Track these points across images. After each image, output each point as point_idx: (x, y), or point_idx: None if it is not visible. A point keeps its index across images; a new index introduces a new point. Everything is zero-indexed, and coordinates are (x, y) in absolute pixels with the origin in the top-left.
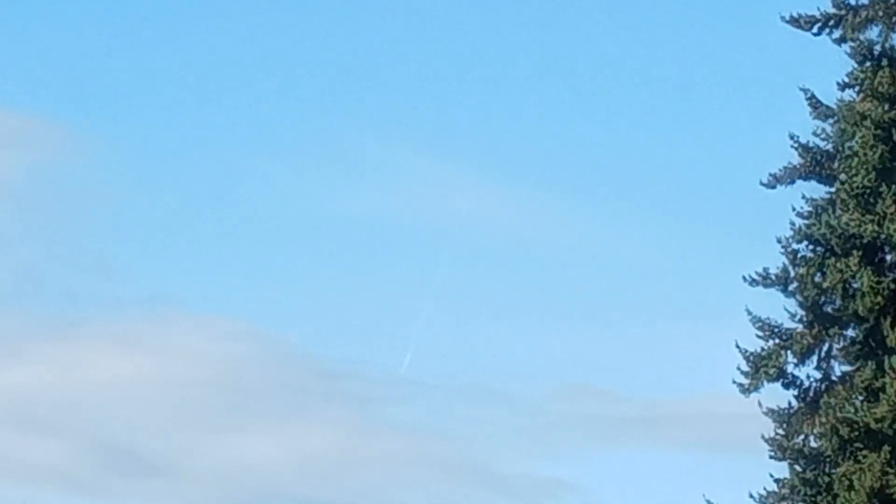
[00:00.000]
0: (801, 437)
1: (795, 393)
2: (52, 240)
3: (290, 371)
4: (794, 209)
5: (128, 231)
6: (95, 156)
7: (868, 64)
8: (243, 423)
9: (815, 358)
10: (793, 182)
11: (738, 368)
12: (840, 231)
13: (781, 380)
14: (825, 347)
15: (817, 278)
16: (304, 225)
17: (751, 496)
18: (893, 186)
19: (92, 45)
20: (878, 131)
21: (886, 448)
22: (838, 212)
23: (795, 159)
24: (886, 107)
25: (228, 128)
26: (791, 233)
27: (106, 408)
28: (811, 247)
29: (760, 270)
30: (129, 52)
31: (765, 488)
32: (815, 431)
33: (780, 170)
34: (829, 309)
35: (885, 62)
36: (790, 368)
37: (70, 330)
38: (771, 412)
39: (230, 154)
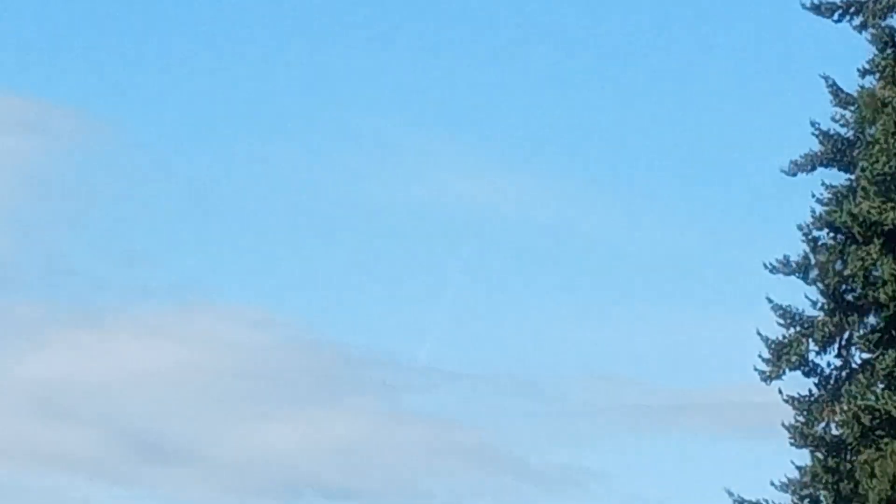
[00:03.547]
0: (823, 424)
1: (816, 381)
2: (79, 228)
3: (315, 359)
4: (814, 196)
5: (155, 219)
6: (123, 144)
7: (889, 51)
8: (269, 412)
9: (836, 346)
10: (813, 169)
11: (760, 356)
12: (861, 218)
13: (802, 368)
14: (846, 335)
15: (838, 266)
16: (330, 213)
17: (772, 484)
18: None
19: (117, 34)
20: None
21: None
22: (859, 199)
23: (816, 146)
24: None
25: (255, 116)
26: (811, 220)
27: (132, 396)
28: (832, 234)
29: (781, 258)
30: (154, 40)
31: (786, 476)
32: (836, 419)
33: (801, 157)
34: (850, 297)
35: None
36: (811, 356)
37: (97, 318)
38: (792, 400)
39: (256, 142)
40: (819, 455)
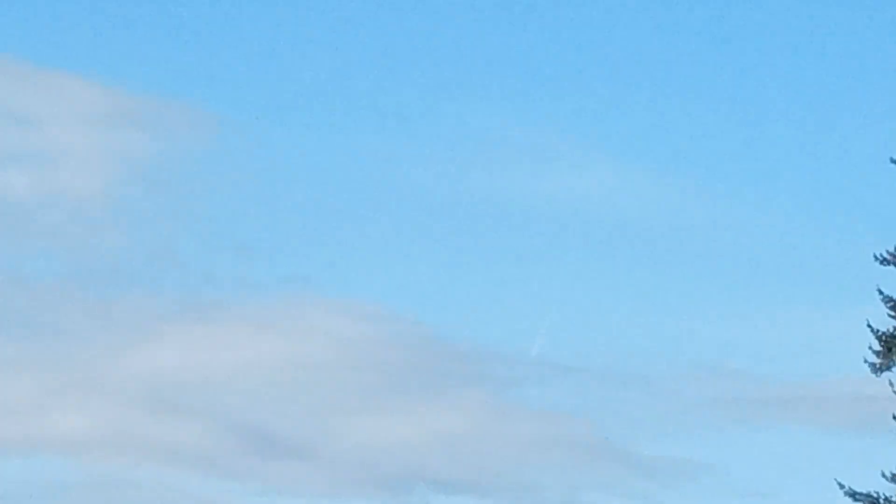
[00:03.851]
0: None
1: None
2: (190, 222)
3: (426, 353)
4: None
5: (265, 214)
6: (234, 139)
7: None
8: (380, 405)
9: None
10: None
11: (870, 348)
12: None
13: None
14: None
15: None
16: (440, 207)
17: (883, 475)
18: None
19: (231, 30)
20: None
21: None
22: None
23: None
24: None
25: (370, 112)
26: None
27: (243, 390)
28: None
29: (892, 249)
30: (269, 37)
31: None
32: None
33: None
34: None
35: None
36: None
37: (208, 312)
38: None
39: (366, 136)
40: None
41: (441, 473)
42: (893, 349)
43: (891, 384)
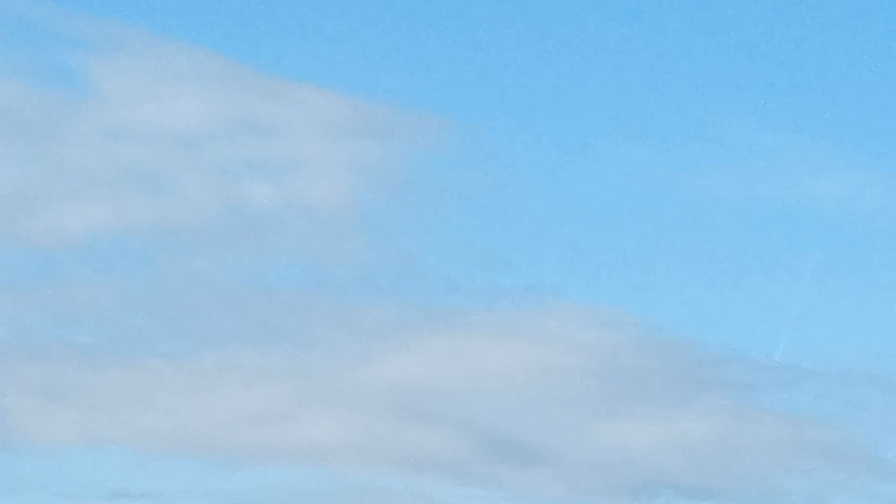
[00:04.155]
0: None
1: None
2: (433, 231)
3: (667, 359)
4: None
5: (507, 221)
6: (476, 146)
7: None
8: (624, 412)
9: None
10: None
11: None
12: None
13: None
14: None
15: None
16: (677, 210)
17: None
18: None
19: (471, 36)
20: None
21: None
22: None
23: None
24: None
25: (609, 117)
26: None
27: (488, 397)
28: None
29: None
30: (508, 44)
31: None
32: None
33: None
34: None
35: None
36: None
37: (452, 320)
38: None
39: (606, 142)
40: None
41: (684, 479)
42: None
43: None
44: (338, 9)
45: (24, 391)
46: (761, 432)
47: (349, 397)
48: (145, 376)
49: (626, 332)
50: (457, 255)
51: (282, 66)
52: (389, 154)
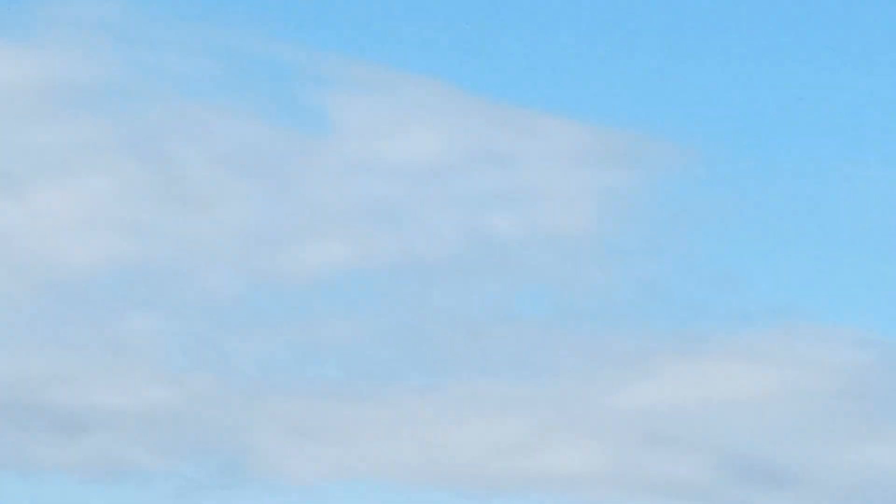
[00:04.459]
0: None
1: None
2: (676, 255)
3: None
4: None
5: (751, 243)
6: (715, 169)
7: None
8: (875, 433)
9: None
10: None
11: None
12: None
13: None
14: None
15: None
16: None
17: None
18: None
19: (706, 62)
20: None
21: None
22: None
23: None
24: None
25: (841, 135)
26: None
27: (736, 421)
28: None
29: None
30: (742, 69)
31: None
32: None
33: None
34: None
35: None
36: None
37: (698, 344)
38: None
39: (847, 161)
40: None
41: None
42: None
43: None
44: (571, 38)
45: (273, 428)
46: None
47: (596, 425)
48: (393, 409)
49: (875, 352)
50: (701, 279)
51: (517, 95)
52: (630, 180)
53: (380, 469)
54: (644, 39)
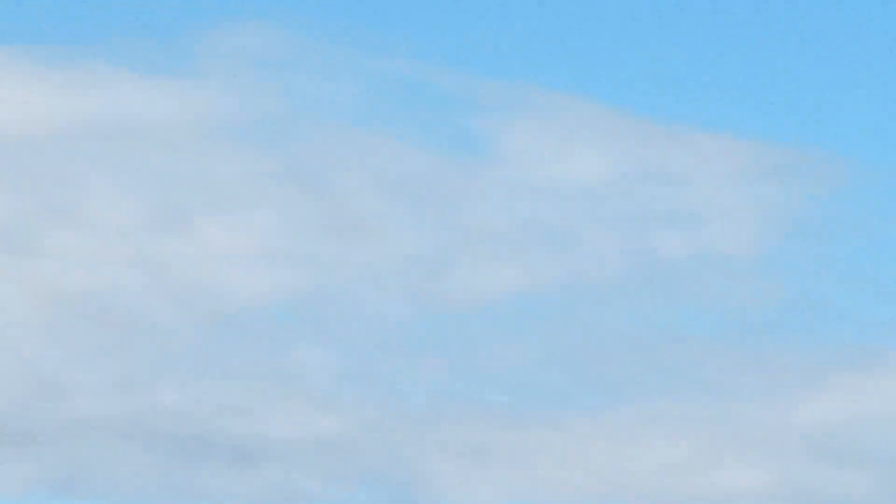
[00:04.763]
0: None
1: None
2: (842, 270)
3: None
4: None
5: None
6: (873, 182)
7: None
8: None
9: None
10: None
11: None
12: None
13: None
14: None
15: None
16: None
17: None
18: None
19: (856, 77)
20: None
21: None
22: None
23: None
24: None
25: None
26: None
27: None
28: None
29: None
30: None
31: None
32: None
33: None
34: None
35: None
36: None
37: (867, 359)
38: None
39: None
40: None
41: None
42: None
43: None
44: (723, 53)
45: (443, 454)
46: None
47: (769, 442)
48: (564, 433)
49: None
50: (868, 293)
51: (675, 113)
52: (791, 196)
53: (551, 493)
54: (796, 53)
